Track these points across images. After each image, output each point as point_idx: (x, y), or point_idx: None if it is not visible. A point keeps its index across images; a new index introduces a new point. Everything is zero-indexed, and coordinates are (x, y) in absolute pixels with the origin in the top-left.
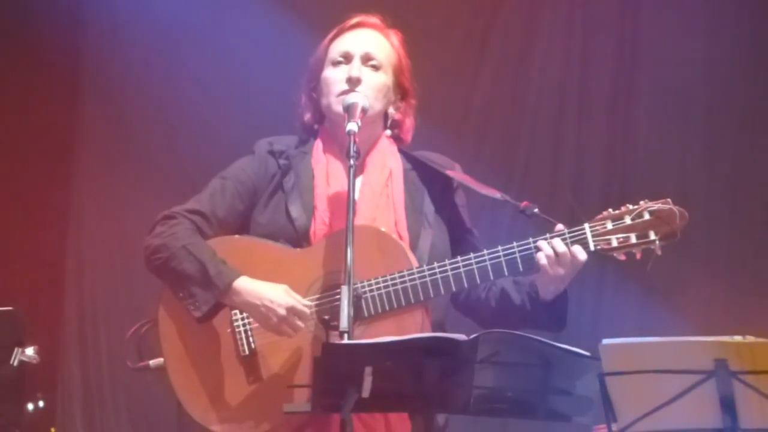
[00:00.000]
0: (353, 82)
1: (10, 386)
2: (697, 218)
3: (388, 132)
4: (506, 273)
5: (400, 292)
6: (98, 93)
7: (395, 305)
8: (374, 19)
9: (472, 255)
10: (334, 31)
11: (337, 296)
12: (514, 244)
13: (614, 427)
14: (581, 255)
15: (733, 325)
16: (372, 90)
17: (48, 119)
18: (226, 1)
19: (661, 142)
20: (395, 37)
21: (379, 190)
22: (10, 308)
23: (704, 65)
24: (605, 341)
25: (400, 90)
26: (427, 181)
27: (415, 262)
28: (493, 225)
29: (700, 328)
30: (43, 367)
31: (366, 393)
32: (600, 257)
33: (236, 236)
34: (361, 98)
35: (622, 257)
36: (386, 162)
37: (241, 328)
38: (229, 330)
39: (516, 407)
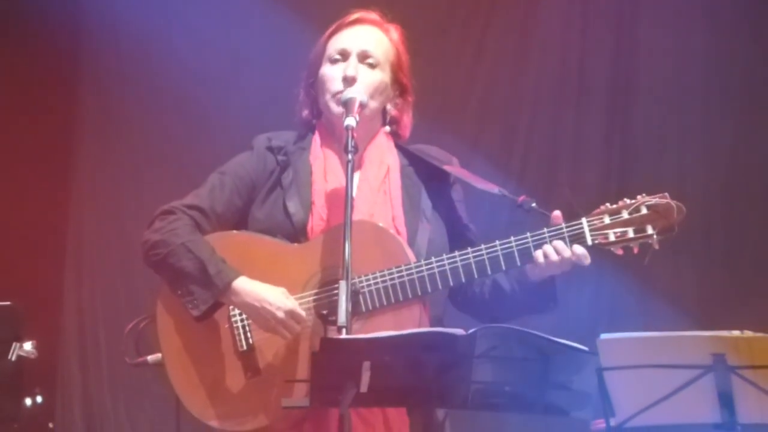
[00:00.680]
0: (348, 81)
1: (8, 381)
2: (694, 212)
3: (387, 128)
4: (504, 267)
5: (398, 287)
6: (97, 88)
7: (393, 300)
8: (373, 15)
9: (469, 250)
10: (333, 27)
11: (335, 291)
12: (512, 238)
13: (612, 421)
14: (586, 260)
15: (731, 319)
16: (368, 88)
17: (46, 115)
18: None
19: (659, 136)
20: (395, 32)
21: (377, 186)
22: (8, 303)
23: (703, 57)
24: (603, 336)
25: (399, 87)
26: (425, 176)
27: (412, 257)
28: (491, 218)
29: (698, 322)
30: (41, 362)
31: (364, 388)
32: (598, 251)
33: (234, 231)
34: (359, 93)
35: (620, 251)
36: (384, 158)
37: (239, 324)
38: (227, 325)
39: (514, 402)
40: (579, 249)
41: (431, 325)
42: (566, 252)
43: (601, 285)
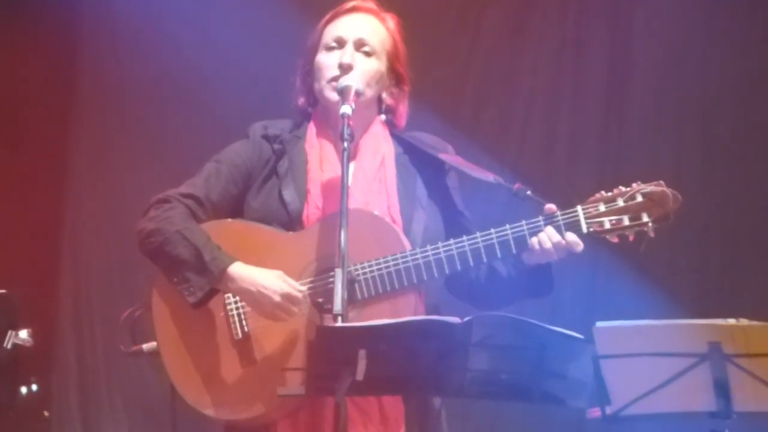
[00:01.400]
0: (344, 69)
1: (4, 369)
2: (690, 199)
3: (382, 117)
4: (499, 255)
5: (394, 275)
6: (94, 76)
7: (389, 288)
8: (370, 4)
9: (465, 237)
10: (329, 15)
11: (331, 279)
12: (507, 226)
13: (608, 409)
14: (578, 247)
15: (727, 308)
16: (364, 76)
17: (43, 104)
18: None
19: (655, 123)
20: (391, 21)
21: (372, 174)
22: (4, 291)
23: (699, 46)
24: (599, 324)
25: (395, 75)
26: (420, 164)
27: (408, 246)
28: (487, 206)
29: (693, 311)
30: (36, 350)
31: (360, 376)
32: (593, 239)
33: (229, 220)
34: (355, 81)
35: (615, 239)
36: (379, 147)
37: (234, 312)
38: (222, 314)
39: (510, 390)
40: (571, 236)
41: (427, 314)
42: (559, 239)
43: (596, 273)
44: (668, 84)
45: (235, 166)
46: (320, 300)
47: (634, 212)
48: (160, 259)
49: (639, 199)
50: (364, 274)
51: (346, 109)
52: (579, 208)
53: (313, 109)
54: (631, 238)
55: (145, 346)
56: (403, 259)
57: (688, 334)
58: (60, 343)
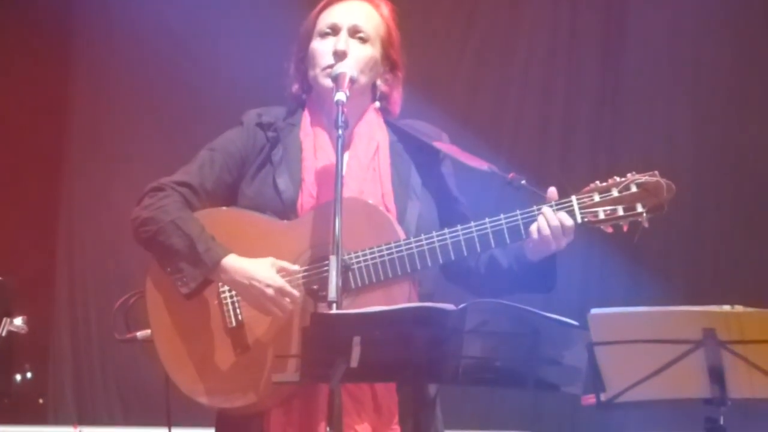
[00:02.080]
0: (339, 56)
1: None
2: (684, 188)
3: (377, 104)
4: (493, 245)
5: (387, 264)
6: (88, 65)
7: (383, 277)
8: None
9: (459, 227)
10: (324, 2)
11: (325, 268)
12: (501, 216)
13: (603, 396)
14: (567, 221)
15: (722, 294)
16: (358, 63)
17: (37, 92)
18: None
19: (649, 112)
20: (386, 8)
21: (366, 163)
22: None
23: (692, 35)
24: (594, 311)
25: (389, 62)
26: (414, 152)
27: (402, 234)
28: (481, 195)
29: (688, 297)
30: (31, 337)
31: (355, 363)
32: (587, 229)
33: (224, 208)
34: (349, 68)
35: (609, 229)
36: (373, 134)
37: (228, 300)
38: (216, 302)
39: (505, 377)
40: (564, 216)
41: (422, 301)
42: (555, 220)
43: (590, 260)
44: (661, 72)
45: (229, 154)
46: (315, 287)
47: (629, 202)
48: (154, 248)
49: (633, 189)
50: (358, 263)
51: (340, 96)
52: (573, 198)
53: (307, 96)
54: (625, 228)
55: (140, 334)
56: (397, 249)
57: (683, 320)
58: (55, 330)
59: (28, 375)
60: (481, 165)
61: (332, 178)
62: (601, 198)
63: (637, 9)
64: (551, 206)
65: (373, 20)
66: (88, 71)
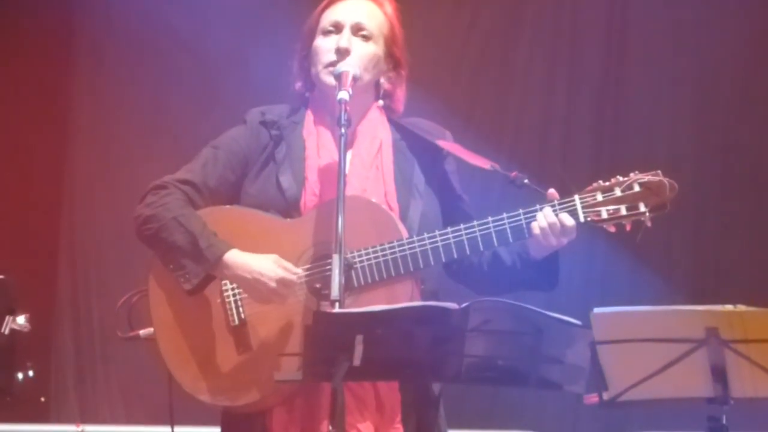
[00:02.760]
0: (342, 53)
1: (1, 354)
2: (687, 187)
3: (380, 102)
4: (496, 244)
5: (390, 263)
6: (91, 60)
7: (385, 276)
8: None
9: (461, 226)
10: (327, 0)
11: (328, 266)
12: (504, 215)
13: (605, 395)
14: (568, 221)
15: (724, 294)
16: (361, 60)
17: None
18: None
19: (650, 111)
20: (389, 6)
21: (370, 161)
22: (1, 276)
23: (694, 32)
24: (596, 310)
25: (392, 60)
26: (417, 150)
27: (405, 233)
28: (484, 193)
29: (691, 297)
30: (34, 335)
31: (357, 361)
32: (590, 228)
33: (227, 206)
34: (351, 66)
35: (612, 229)
36: (377, 133)
37: (231, 299)
38: (219, 300)
39: (507, 376)
40: (564, 216)
41: (425, 300)
42: (553, 219)
43: (593, 259)
44: (664, 70)
45: (232, 153)
46: (317, 286)
47: (631, 202)
48: (156, 245)
49: (636, 188)
50: (361, 261)
51: (343, 95)
52: (576, 197)
53: (311, 93)
54: (628, 227)
55: (142, 332)
56: (400, 247)
57: (686, 319)
58: (57, 328)
59: (31, 373)
60: (484, 163)
61: (335, 176)
62: (604, 197)
63: (639, 8)
64: (554, 205)
65: (377, 18)
66: (91, 71)
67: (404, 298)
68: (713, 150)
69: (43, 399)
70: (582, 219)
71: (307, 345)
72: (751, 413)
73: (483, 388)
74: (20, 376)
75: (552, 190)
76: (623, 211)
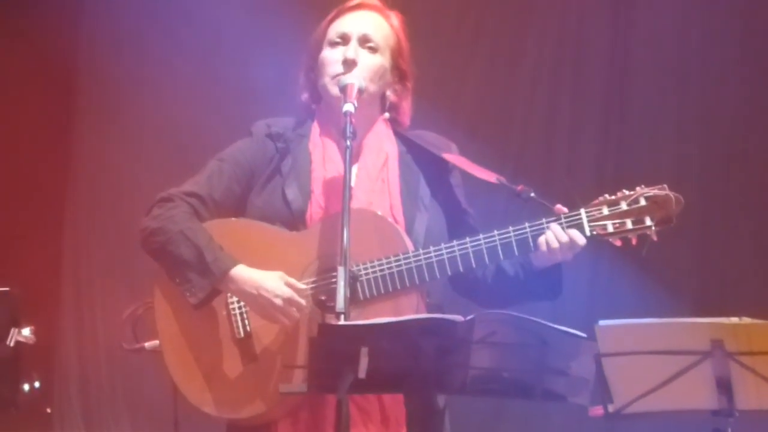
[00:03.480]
0: (348, 64)
1: (6, 366)
2: (693, 201)
3: (386, 115)
4: (501, 257)
5: (396, 276)
6: (96, 67)
7: (390, 289)
8: (374, 0)
9: (467, 239)
10: (334, 12)
11: (334, 278)
12: (510, 228)
13: (610, 407)
14: (580, 240)
15: (729, 306)
16: (368, 72)
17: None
18: None
19: (656, 122)
20: (395, 18)
21: (375, 174)
22: (6, 289)
23: (699, 44)
24: (601, 322)
25: (398, 73)
26: (423, 163)
27: (410, 246)
28: (489, 206)
29: (696, 309)
30: (39, 347)
31: (362, 374)
32: (596, 242)
33: (233, 219)
34: (357, 78)
35: (618, 242)
36: (382, 146)
37: (237, 311)
38: (224, 312)
39: (512, 388)
40: (573, 231)
41: (430, 312)
42: (564, 237)
43: (598, 272)
44: (669, 82)
45: (238, 165)
46: (323, 298)
47: (637, 216)
48: (162, 258)
49: (642, 202)
50: (366, 274)
51: (348, 107)
52: (582, 211)
53: (317, 105)
54: (634, 241)
55: (148, 344)
56: (406, 260)
57: (691, 332)
58: (62, 340)
59: (36, 384)
60: (490, 177)
61: (341, 189)
62: (610, 211)
63: (645, 18)
64: (560, 219)
65: (383, 30)
66: (95, 81)
67: (410, 311)
68: (719, 162)
69: (48, 410)
70: (588, 233)
71: (312, 357)
72: (757, 425)
73: (488, 400)
74: (26, 387)
75: (559, 206)
76: (629, 225)
